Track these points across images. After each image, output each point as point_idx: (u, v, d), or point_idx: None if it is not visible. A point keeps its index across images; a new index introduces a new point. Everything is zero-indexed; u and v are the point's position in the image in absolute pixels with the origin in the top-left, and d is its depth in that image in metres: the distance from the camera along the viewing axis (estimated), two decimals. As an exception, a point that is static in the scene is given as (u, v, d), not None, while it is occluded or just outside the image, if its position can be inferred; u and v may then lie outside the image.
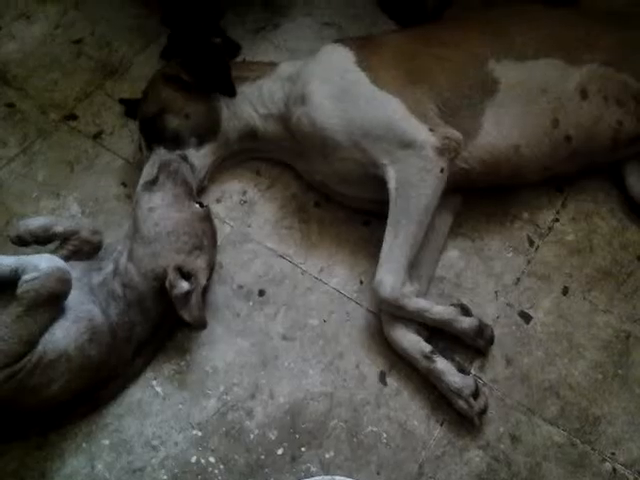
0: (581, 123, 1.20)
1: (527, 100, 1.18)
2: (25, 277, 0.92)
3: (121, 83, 1.52)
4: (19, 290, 0.92)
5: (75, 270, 1.04)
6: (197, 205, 1.15)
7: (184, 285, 1.05)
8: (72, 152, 1.41)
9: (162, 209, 1.11)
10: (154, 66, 1.49)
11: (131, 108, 1.42)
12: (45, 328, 0.95)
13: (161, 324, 1.12)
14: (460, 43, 1.21)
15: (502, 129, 1.17)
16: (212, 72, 1.24)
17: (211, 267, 1.15)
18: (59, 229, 1.11)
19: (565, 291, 1.20)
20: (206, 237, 1.13)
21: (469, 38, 1.22)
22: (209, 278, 1.15)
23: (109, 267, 1.11)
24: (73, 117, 1.46)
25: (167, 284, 1.04)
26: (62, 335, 0.96)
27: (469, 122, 1.17)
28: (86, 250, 1.15)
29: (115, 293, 1.07)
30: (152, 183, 1.15)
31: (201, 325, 1.08)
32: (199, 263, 1.10)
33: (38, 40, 1.61)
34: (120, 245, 1.14)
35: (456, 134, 1.13)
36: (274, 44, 1.59)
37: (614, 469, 1.02)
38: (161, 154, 1.25)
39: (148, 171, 1.23)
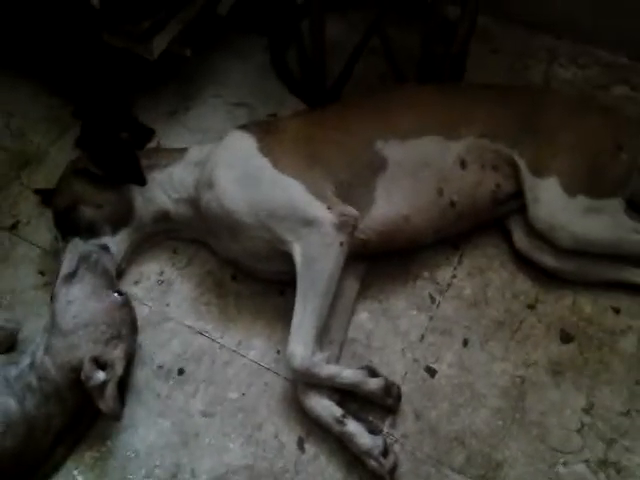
0: (463, 189, 1.33)
1: (413, 174, 1.31)
2: None
3: (37, 173, 1.56)
4: None
5: None
6: (116, 294, 1.19)
7: (100, 376, 1.09)
8: (-13, 244, 1.43)
9: (80, 301, 1.15)
10: (69, 155, 1.55)
11: (47, 198, 1.46)
12: None
13: (80, 414, 1.13)
14: (350, 127, 1.34)
15: (393, 202, 1.29)
16: (121, 165, 1.31)
17: (130, 355, 1.19)
18: None
19: (465, 343, 1.30)
20: (124, 325, 1.17)
21: (358, 122, 1.35)
22: (129, 365, 1.19)
23: (26, 360, 1.13)
24: (-12, 209, 1.49)
25: (82, 376, 1.07)
26: None
27: (363, 198, 1.28)
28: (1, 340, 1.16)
29: (31, 386, 1.09)
30: (71, 276, 1.19)
31: (115, 416, 1.11)
32: (116, 353, 1.13)
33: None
34: (38, 338, 1.16)
35: (352, 210, 1.24)
36: (187, 127, 1.68)
37: (517, 510, 1.10)
38: (77, 244, 1.29)
39: (66, 264, 1.26)
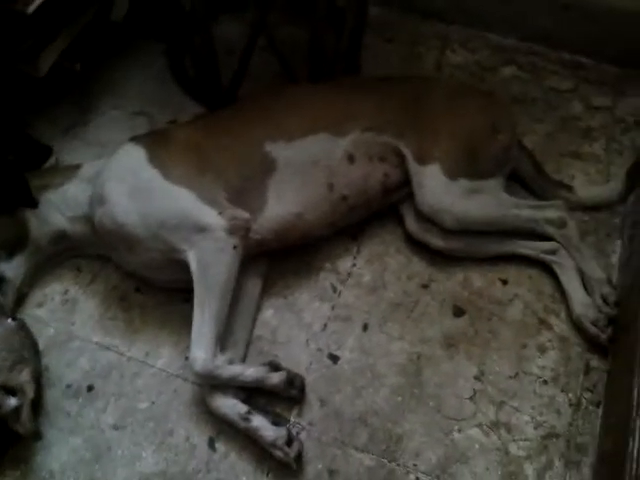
0: (353, 182, 1.39)
1: (303, 172, 1.36)
2: None
3: None
4: None
5: None
6: (9, 320, 1.20)
7: (12, 402, 1.10)
8: None
9: None
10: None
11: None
12: None
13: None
14: (238, 130, 1.37)
15: (285, 201, 1.34)
16: (8, 189, 1.30)
17: (37, 375, 1.20)
18: None
19: (365, 327, 1.37)
20: (25, 349, 1.19)
21: (246, 125, 1.38)
22: (39, 386, 1.20)
23: None
24: None
25: None
26: None
27: (256, 200, 1.32)
28: None
29: None
30: None
31: (36, 436, 1.13)
32: (23, 376, 1.15)
33: None
34: None
35: (242, 213, 1.28)
36: (85, 141, 1.67)
37: (417, 478, 1.19)
38: (-30, 274, 1.29)
39: None
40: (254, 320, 1.37)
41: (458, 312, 1.40)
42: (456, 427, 1.24)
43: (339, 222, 1.42)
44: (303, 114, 1.41)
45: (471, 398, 1.28)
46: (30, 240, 1.36)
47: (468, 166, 1.39)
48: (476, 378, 1.30)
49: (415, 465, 1.20)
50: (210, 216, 1.25)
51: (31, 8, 1.38)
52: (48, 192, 1.37)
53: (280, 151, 1.36)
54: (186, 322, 1.35)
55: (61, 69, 1.60)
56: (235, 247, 1.25)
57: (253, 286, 1.38)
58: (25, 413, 1.11)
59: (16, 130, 1.54)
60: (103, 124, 1.72)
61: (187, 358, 1.31)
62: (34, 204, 1.34)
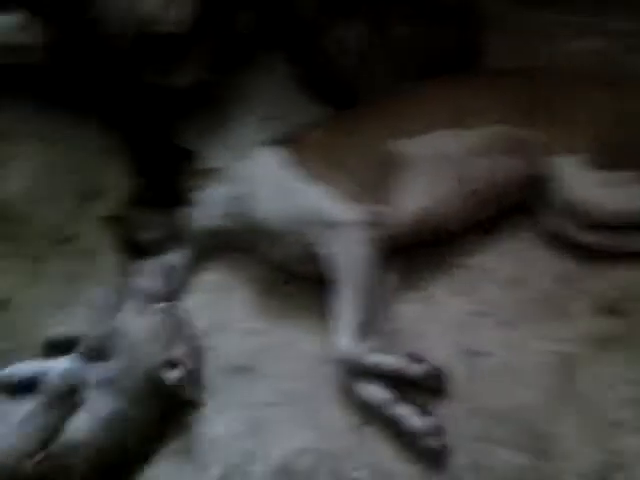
0: (482, 176, 1.40)
1: (431, 167, 1.38)
2: (45, 379, 1.18)
3: (99, 203, 1.71)
4: (41, 389, 1.17)
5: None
6: (158, 304, 1.35)
7: (174, 374, 1.24)
8: (70, 269, 1.61)
9: (132, 324, 1.30)
10: (126, 186, 1.68)
11: (113, 225, 1.64)
12: (64, 419, 1.16)
13: (165, 414, 1.29)
14: (365, 128, 1.44)
15: (415, 196, 1.37)
16: (170, 190, 1.48)
17: (194, 348, 1.33)
18: (67, 335, 1.36)
19: (506, 324, 1.35)
20: (177, 325, 1.32)
21: (372, 124, 1.44)
22: (200, 357, 1.34)
23: (112, 368, 1.28)
24: (67, 240, 1.67)
25: (162, 379, 1.22)
26: (82, 424, 1.17)
27: (387, 195, 1.37)
28: (92, 350, 1.32)
29: (120, 392, 1.24)
30: (117, 310, 1.34)
31: (196, 405, 1.27)
32: (181, 350, 1.28)
33: (29, 177, 1.82)
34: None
35: (377, 207, 1.34)
36: (225, 145, 1.78)
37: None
38: (144, 265, 1.47)
39: (137, 275, 1.46)
40: (390, 312, 1.42)
41: (609, 311, 1.33)
42: (615, 433, 1.18)
43: (470, 216, 1.43)
44: (428, 109, 1.44)
45: (631, 403, 1.21)
46: (189, 235, 1.52)
47: (606, 156, 1.34)
48: (636, 382, 1.23)
49: (570, 468, 1.16)
50: (345, 211, 1.32)
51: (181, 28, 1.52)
52: (200, 191, 1.53)
53: (408, 147, 1.39)
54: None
55: (201, 80, 1.74)
56: (372, 240, 1.31)
57: (389, 280, 1.42)
58: (186, 383, 1.24)
59: (166, 138, 1.72)
60: (239, 130, 1.84)
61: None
62: (190, 203, 1.50)
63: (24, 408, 1.17)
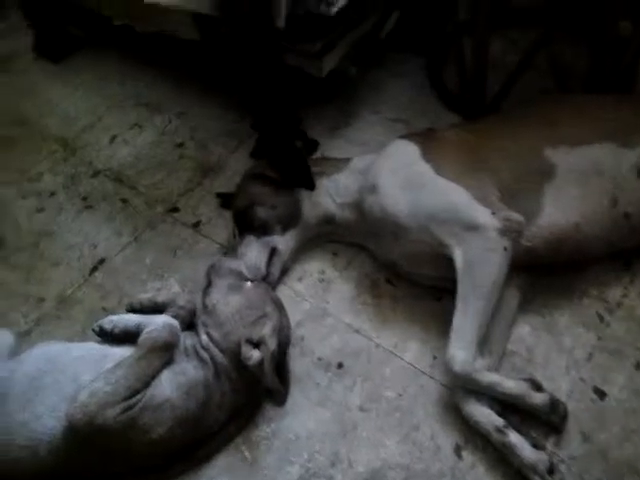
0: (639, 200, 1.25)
1: (584, 182, 1.27)
2: (146, 329, 1.17)
3: (217, 179, 1.75)
4: (140, 338, 1.15)
5: None
6: (248, 282, 1.30)
7: (256, 354, 1.16)
8: (174, 240, 1.62)
9: (221, 300, 1.25)
10: (245, 164, 1.72)
11: (226, 201, 1.64)
12: (156, 372, 1.13)
13: (249, 394, 1.23)
14: (517, 133, 1.34)
15: (562, 209, 1.26)
16: (294, 170, 1.43)
17: (280, 329, 1.25)
18: (159, 299, 1.35)
19: (638, 366, 1.21)
20: (267, 304, 1.26)
21: (525, 128, 1.34)
22: (287, 344, 1.27)
23: (198, 338, 1.23)
24: (176, 210, 1.69)
25: (242, 357, 1.16)
26: (167, 384, 1.13)
27: (530, 204, 1.26)
28: (182, 316, 1.30)
29: (206, 362, 1.19)
30: (208, 286, 1.31)
31: (277, 390, 1.19)
32: (265, 330, 1.21)
33: (147, 145, 1.89)
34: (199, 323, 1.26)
35: (517, 216, 1.23)
36: (347, 140, 1.78)
37: None
38: (251, 240, 1.43)
39: (241, 251, 1.41)
40: (509, 333, 1.29)
41: None
42: None
43: (616, 242, 1.29)
44: (589, 122, 1.32)
45: None
46: (302, 219, 1.47)
47: None
48: None
49: None
50: (483, 215, 1.22)
51: (334, 10, 1.51)
52: (322, 179, 1.48)
53: (561, 157, 1.28)
54: (436, 321, 1.35)
55: (334, 73, 1.73)
56: (505, 249, 1.20)
57: (512, 297, 1.31)
58: (266, 365, 1.16)
59: (294, 123, 1.70)
60: (363, 127, 1.82)
61: (435, 358, 1.30)
62: (313, 187, 1.44)
63: (120, 354, 1.15)
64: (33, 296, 1.54)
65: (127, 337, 1.22)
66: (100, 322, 1.28)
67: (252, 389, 1.23)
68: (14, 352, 1.25)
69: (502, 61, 1.76)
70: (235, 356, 1.19)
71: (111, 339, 1.25)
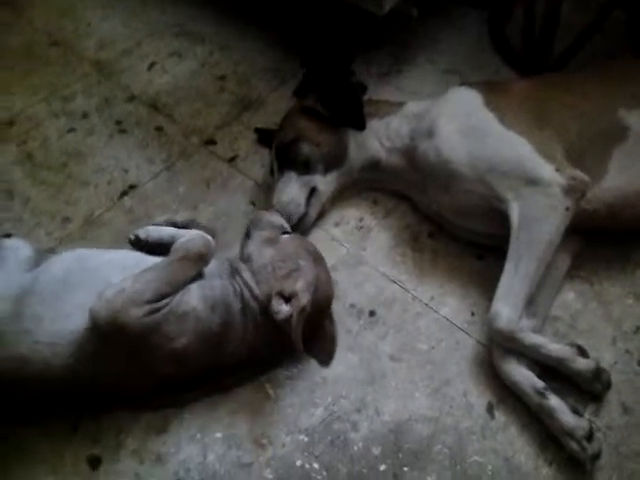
0: None
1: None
2: (181, 239, 1.13)
3: (256, 116, 1.68)
4: (174, 246, 1.12)
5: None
6: (285, 235, 1.24)
7: (285, 309, 1.09)
8: (209, 172, 1.56)
9: (257, 251, 1.19)
10: (286, 103, 1.64)
11: (264, 137, 1.57)
12: (186, 281, 1.09)
13: (274, 340, 1.16)
14: (588, 92, 1.25)
15: (629, 175, 1.18)
16: (347, 107, 1.36)
17: (316, 285, 1.18)
18: (179, 219, 1.30)
19: (691, 345, 1.15)
20: (302, 258, 1.18)
21: (598, 87, 1.25)
22: (326, 296, 1.20)
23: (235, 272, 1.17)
24: (212, 142, 1.63)
25: (271, 310, 1.10)
26: (195, 294, 1.09)
27: (595, 166, 1.19)
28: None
29: (236, 291, 1.13)
30: (247, 236, 1.25)
31: (298, 349, 1.09)
32: (299, 284, 1.13)
33: (186, 75, 1.82)
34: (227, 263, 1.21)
35: (583, 176, 1.15)
36: (397, 87, 1.70)
37: None
38: (291, 177, 1.36)
39: (280, 187, 1.36)
40: (554, 297, 1.23)
41: None
42: None
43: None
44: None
45: None
46: (346, 161, 1.40)
47: None
48: None
49: None
50: (547, 170, 1.15)
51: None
52: (372, 120, 1.40)
53: (635, 120, 1.20)
54: (477, 279, 1.29)
55: (392, 15, 1.63)
56: (567, 209, 1.13)
57: (562, 261, 1.24)
58: (295, 320, 1.08)
59: (345, 63, 1.62)
60: (415, 76, 1.73)
61: (473, 314, 1.24)
62: (363, 126, 1.37)
63: (154, 262, 1.11)
64: (59, 215, 1.50)
65: (161, 248, 1.17)
66: (136, 231, 1.25)
67: (278, 336, 1.17)
68: (33, 265, 1.19)
69: (567, 22, 1.66)
70: (264, 306, 1.12)
71: (146, 250, 1.21)
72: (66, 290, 1.08)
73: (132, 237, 1.24)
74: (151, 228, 1.24)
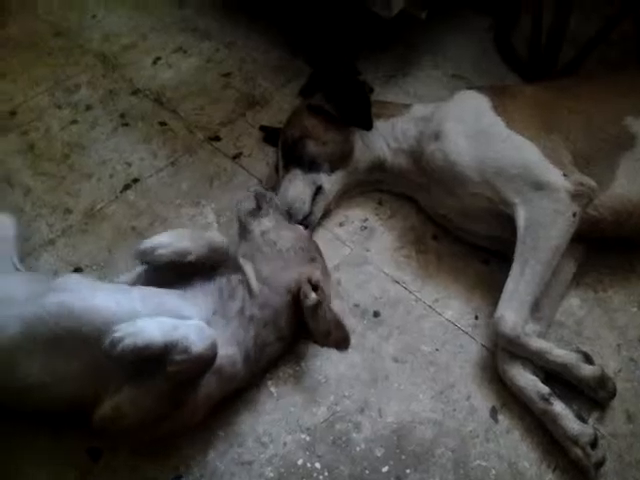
0: None
1: (665, 156, 1.18)
2: (176, 358, 0.90)
3: (261, 114, 1.66)
4: (169, 368, 0.90)
5: (210, 306, 1.06)
6: (300, 226, 1.22)
7: (314, 296, 1.07)
8: (213, 168, 1.55)
9: (274, 230, 1.16)
10: (292, 101, 1.64)
11: (269, 135, 1.56)
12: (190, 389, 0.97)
13: (290, 343, 1.15)
14: (597, 99, 1.25)
15: (636, 182, 1.18)
16: (355, 106, 1.35)
17: (327, 273, 1.19)
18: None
19: (695, 354, 1.15)
20: (315, 251, 1.19)
21: (606, 95, 1.26)
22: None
23: (241, 293, 1.09)
24: (217, 139, 1.62)
25: (302, 295, 1.07)
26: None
27: (603, 172, 1.19)
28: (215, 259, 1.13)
29: (254, 317, 1.07)
30: (257, 210, 1.21)
31: (343, 342, 1.08)
32: (319, 274, 1.14)
33: (191, 71, 1.81)
34: (242, 262, 1.15)
35: (590, 182, 1.16)
36: (403, 90, 1.69)
37: None
38: (297, 175, 1.36)
39: (285, 185, 1.35)
40: (559, 303, 1.23)
41: None
42: None
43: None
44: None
45: None
46: (352, 161, 1.39)
47: None
48: None
49: None
50: (554, 175, 1.15)
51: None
52: (378, 121, 1.39)
53: None
54: (481, 283, 1.29)
55: (400, 18, 1.63)
56: (574, 214, 1.13)
57: (567, 268, 1.23)
58: (323, 311, 1.06)
59: (350, 64, 1.61)
60: (421, 79, 1.73)
61: (477, 318, 1.24)
62: (370, 126, 1.36)
63: None
64: (60, 207, 1.48)
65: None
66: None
67: (295, 337, 1.15)
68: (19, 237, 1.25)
69: (573, 32, 1.67)
70: (289, 294, 1.08)
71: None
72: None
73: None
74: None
